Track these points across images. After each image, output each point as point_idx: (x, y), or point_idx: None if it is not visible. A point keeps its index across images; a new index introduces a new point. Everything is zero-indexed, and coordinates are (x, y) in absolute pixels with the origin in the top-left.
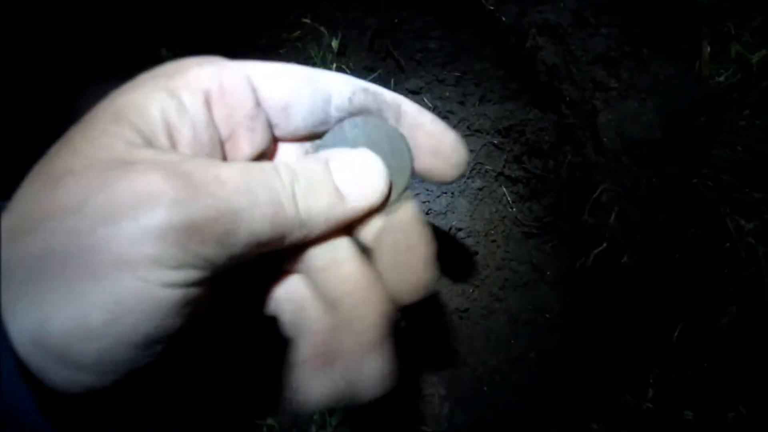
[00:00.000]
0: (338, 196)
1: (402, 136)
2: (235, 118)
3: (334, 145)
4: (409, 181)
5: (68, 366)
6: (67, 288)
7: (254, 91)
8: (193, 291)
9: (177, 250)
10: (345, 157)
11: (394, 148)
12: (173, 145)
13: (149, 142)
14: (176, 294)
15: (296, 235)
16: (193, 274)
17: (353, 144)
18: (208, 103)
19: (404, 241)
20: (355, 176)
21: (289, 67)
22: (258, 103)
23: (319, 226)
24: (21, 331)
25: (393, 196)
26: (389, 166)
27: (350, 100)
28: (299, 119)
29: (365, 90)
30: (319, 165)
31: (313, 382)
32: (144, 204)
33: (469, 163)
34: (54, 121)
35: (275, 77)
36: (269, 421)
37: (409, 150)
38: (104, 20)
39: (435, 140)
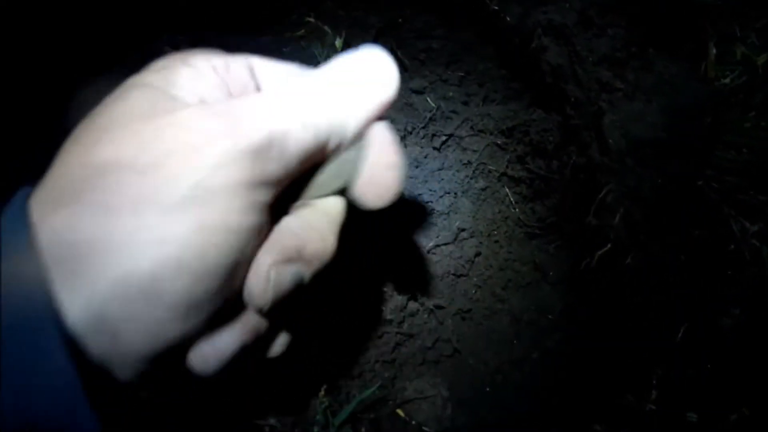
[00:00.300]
0: (365, 92)
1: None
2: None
3: None
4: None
5: (152, 313)
6: (142, 226)
7: (255, 79)
8: (263, 218)
9: (247, 171)
10: (351, 60)
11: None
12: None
13: (176, 100)
14: (253, 220)
15: (334, 141)
16: (262, 195)
17: None
18: (216, 72)
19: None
20: (370, 72)
21: (286, 63)
22: (258, 88)
23: (359, 122)
24: (85, 304)
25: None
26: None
27: None
28: None
29: None
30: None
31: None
32: (203, 138)
33: (472, 163)
34: (53, 116)
35: (274, 69)
36: (271, 421)
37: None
38: (107, 17)
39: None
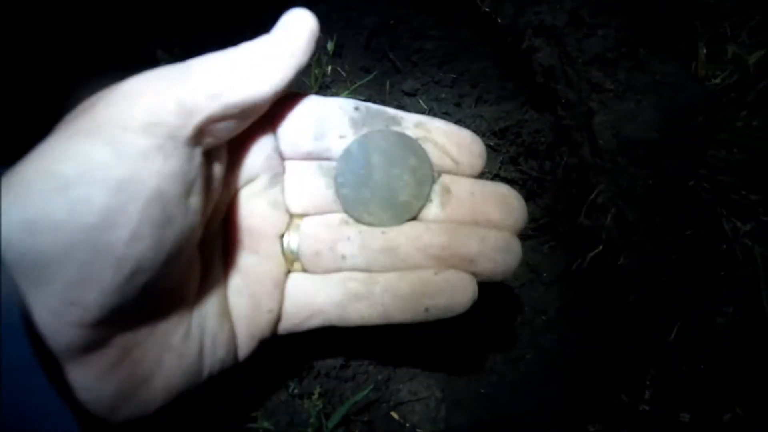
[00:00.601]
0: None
1: (412, 138)
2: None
3: (348, 168)
4: (433, 178)
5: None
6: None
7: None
8: (201, 159)
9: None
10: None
11: (412, 152)
12: None
13: None
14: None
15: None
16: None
17: (367, 161)
18: None
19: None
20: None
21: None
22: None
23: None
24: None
25: (423, 199)
26: (413, 170)
27: (357, 110)
28: (301, 134)
29: (364, 105)
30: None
31: None
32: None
33: None
34: (42, 119)
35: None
36: (264, 424)
37: (424, 150)
38: (100, 20)
39: (455, 136)
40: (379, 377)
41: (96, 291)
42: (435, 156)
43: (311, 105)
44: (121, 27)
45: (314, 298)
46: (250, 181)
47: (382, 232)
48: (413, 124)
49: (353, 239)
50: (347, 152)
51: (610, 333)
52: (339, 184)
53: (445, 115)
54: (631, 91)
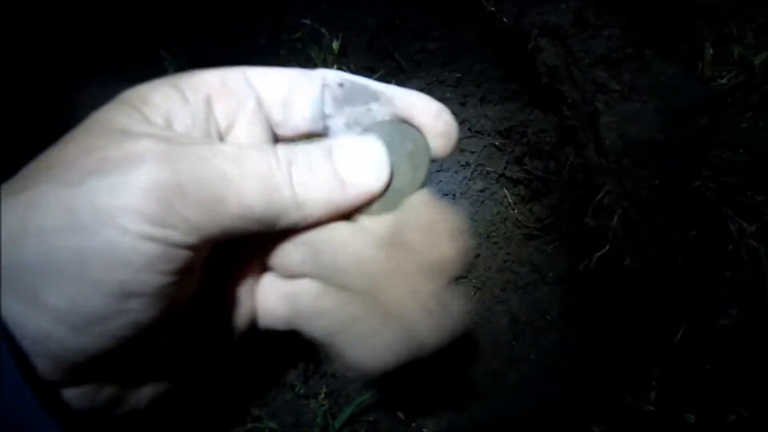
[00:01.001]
0: (338, 181)
1: (410, 126)
2: (236, 114)
3: None
4: (427, 176)
5: (41, 312)
6: (44, 234)
7: (254, 90)
8: (177, 253)
9: (160, 207)
10: (348, 144)
11: (410, 138)
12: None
13: (148, 122)
14: (155, 248)
15: (292, 217)
16: (176, 236)
17: None
18: (209, 102)
19: (430, 217)
20: (357, 162)
21: (285, 69)
22: (259, 102)
23: (317, 209)
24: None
25: (417, 185)
26: (410, 156)
27: (341, 86)
28: (299, 115)
29: (350, 80)
30: (319, 149)
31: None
32: (132, 161)
33: (470, 165)
34: (46, 118)
35: (273, 76)
36: (270, 424)
37: (428, 147)
38: (104, 21)
39: (431, 118)
40: (384, 378)
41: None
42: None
43: (298, 80)
44: (124, 27)
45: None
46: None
47: None
48: (387, 99)
49: None
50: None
51: (614, 334)
52: None
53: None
54: (636, 92)
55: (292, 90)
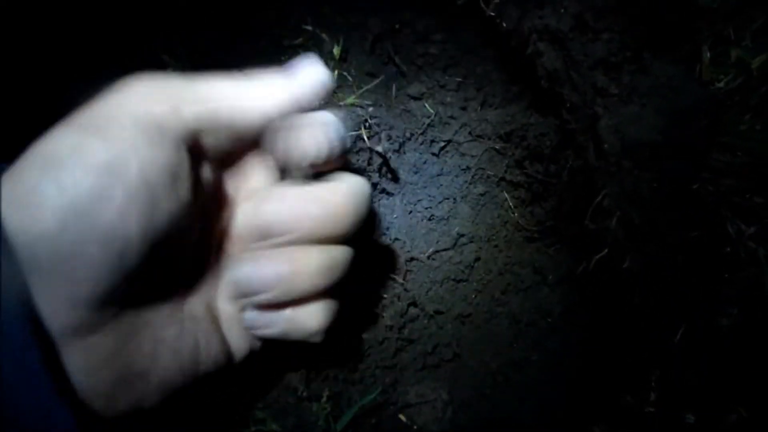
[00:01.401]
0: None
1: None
2: None
3: None
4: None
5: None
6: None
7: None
8: (185, 161)
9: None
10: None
11: None
12: None
13: None
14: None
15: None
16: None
17: None
18: None
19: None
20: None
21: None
22: None
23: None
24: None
25: None
26: None
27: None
28: None
29: None
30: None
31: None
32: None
33: (471, 168)
34: (43, 118)
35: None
36: (273, 426)
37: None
38: (104, 22)
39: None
40: (387, 380)
41: (86, 268)
42: None
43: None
44: (123, 28)
45: None
46: (253, 194)
47: None
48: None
49: None
50: None
51: (614, 335)
52: None
53: (451, 119)
54: (636, 94)
55: None
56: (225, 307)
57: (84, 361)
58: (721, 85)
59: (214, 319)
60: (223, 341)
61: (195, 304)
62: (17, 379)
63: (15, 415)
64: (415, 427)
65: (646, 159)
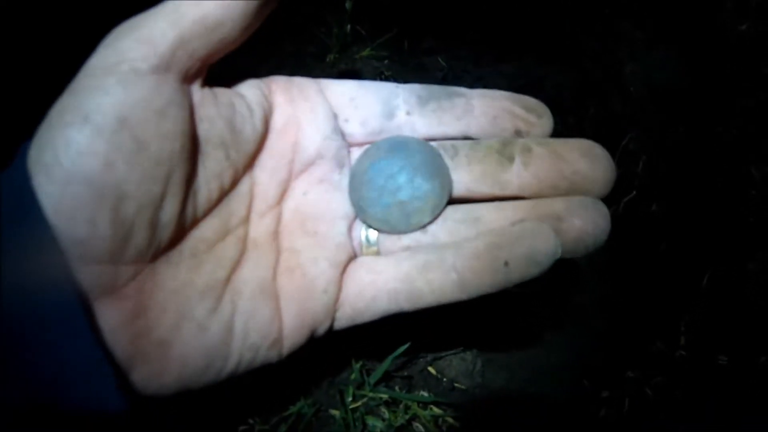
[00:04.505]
0: None
1: (432, 146)
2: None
3: (374, 182)
4: (450, 190)
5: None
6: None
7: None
8: (174, 86)
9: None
10: None
11: (435, 160)
12: None
13: None
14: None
15: None
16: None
17: (393, 175)
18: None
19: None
20: None
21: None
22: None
23: None
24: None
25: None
26: (436, 186)
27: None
28: (369, 112)
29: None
30: None
31: None
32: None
33: None
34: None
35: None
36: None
37: (444, 164)
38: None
39: (520, 100)
40: (416, 333)
41: (86, 223)
42: (506, 120)
43: (372, 85)
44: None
45: (379, 275)
46: (308, 165)
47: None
48: (478, 95)
49: None
50: (373, 165)
51: (641, 282)
52: (365, 199)
53: (465, 73)
54: (661, 40)
55: (358, 89)
56: (285, 279)
57: (103, 322)
58: (743, 28)
59: (269, 293)
60: (272, 324)
61: (242, 278)
62: (72, 359)
63: (68, 396)
64: (444, 379)
65: (671, 104)
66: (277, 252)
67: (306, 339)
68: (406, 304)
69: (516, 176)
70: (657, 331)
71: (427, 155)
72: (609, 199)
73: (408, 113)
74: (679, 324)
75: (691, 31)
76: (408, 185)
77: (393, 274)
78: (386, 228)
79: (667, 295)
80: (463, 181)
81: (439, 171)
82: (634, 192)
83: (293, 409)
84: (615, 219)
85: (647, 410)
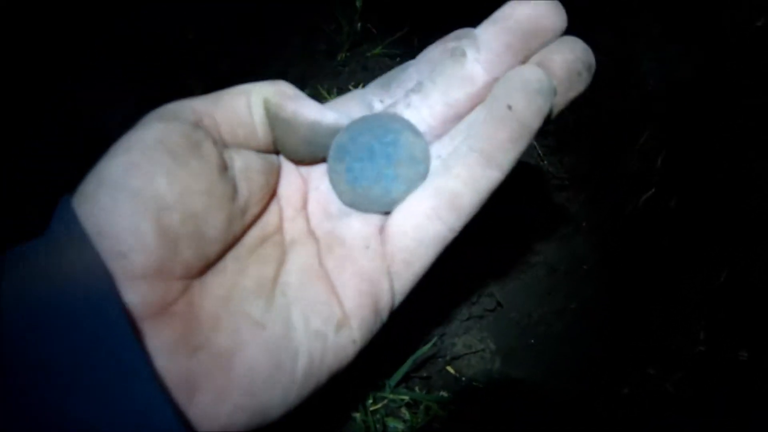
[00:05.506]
0: None
1: (408, 124)
2: None
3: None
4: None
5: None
6: None
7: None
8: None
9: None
10: None
11: (408, 128)
12: None
13: None
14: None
15: None
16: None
17: (369, 150)
18: None
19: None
20: None
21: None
22: None
23: None
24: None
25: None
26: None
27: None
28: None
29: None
30: None
31: None
32: None
33: None
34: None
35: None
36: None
37: (422, 138)
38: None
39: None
40: (434, 333)
41: (130, 235)
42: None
43: (351, 94)
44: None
45: (411, 204)
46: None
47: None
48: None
49: None
50: (345, 146)
51: (661, 277)
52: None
53: None
54: (678, 34)
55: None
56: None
57: (154, 344)
58: (760, 24)
59: (324, 277)
60: (338, 305)
61: (289, 265)
62: (120, 380)
63: (115, 416)
64: (463, 378)
65: (688, 97)
66: (316, 242)
67: (373, 312)
68: (449, 215)
69: (474, 63)
70: (677, 327)
71: (396, 135)
72: (628, 196)
73: (381, 101)
74: (699, 320)
75: (707, 27)
76: (370, 173)
77: (424, 195)
78: (360, 210)
79: (686, 291)
80: (435, 105)
81: (406, 152)
82: (653, 189)
83: (313, 412)
84: (634, 216)
85: (668, 406)
